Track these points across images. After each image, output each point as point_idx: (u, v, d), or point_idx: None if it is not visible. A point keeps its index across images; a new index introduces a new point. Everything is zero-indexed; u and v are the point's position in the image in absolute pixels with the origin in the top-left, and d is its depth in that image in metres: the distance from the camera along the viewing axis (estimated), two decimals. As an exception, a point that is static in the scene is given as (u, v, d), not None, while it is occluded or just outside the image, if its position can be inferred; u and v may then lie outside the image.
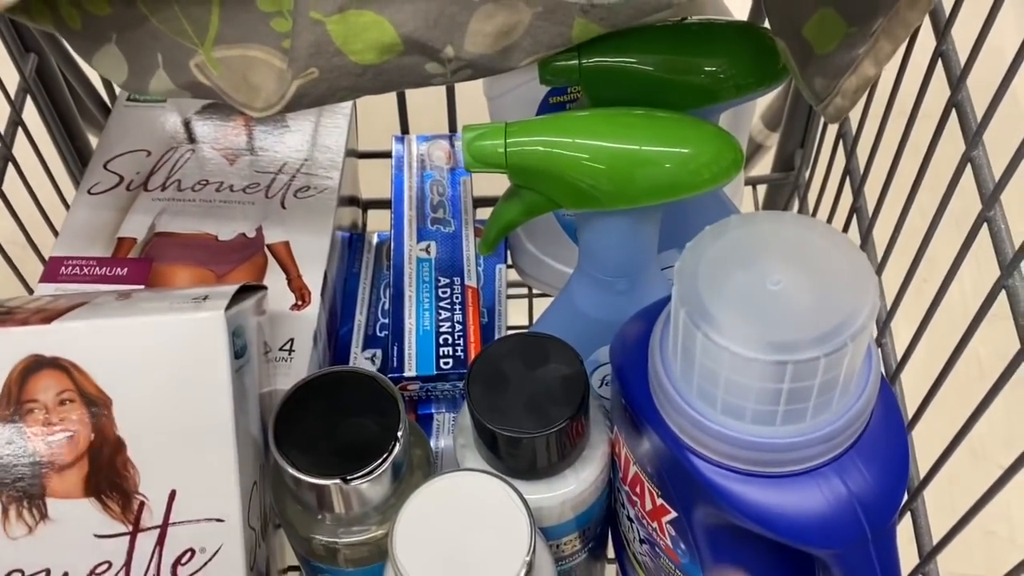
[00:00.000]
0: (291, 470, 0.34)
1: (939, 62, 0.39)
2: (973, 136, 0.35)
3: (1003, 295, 0.33)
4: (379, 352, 0.53)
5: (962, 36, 0.38)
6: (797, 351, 0.27)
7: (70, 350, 0.31)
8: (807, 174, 0.60)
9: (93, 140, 0.61)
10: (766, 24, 0.49)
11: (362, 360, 0.53)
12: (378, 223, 0.65)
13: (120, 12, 0.33)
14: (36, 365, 0.31)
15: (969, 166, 0.36)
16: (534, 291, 0.62)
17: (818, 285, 0.28)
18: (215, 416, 0.32)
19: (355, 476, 0.34)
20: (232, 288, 0.35)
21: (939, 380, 0.37)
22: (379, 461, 0.34)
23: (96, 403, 0.31)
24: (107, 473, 0.31)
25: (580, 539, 0.41)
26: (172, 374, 0.32)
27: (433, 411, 0.51)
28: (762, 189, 0.66)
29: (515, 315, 0.60)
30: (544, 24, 0.33)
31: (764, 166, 0.67)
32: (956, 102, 0.37)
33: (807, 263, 0.28)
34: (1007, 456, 0.84)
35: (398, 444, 0.35)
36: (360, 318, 0.55)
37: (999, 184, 0.34)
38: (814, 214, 0.57)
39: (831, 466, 0.30)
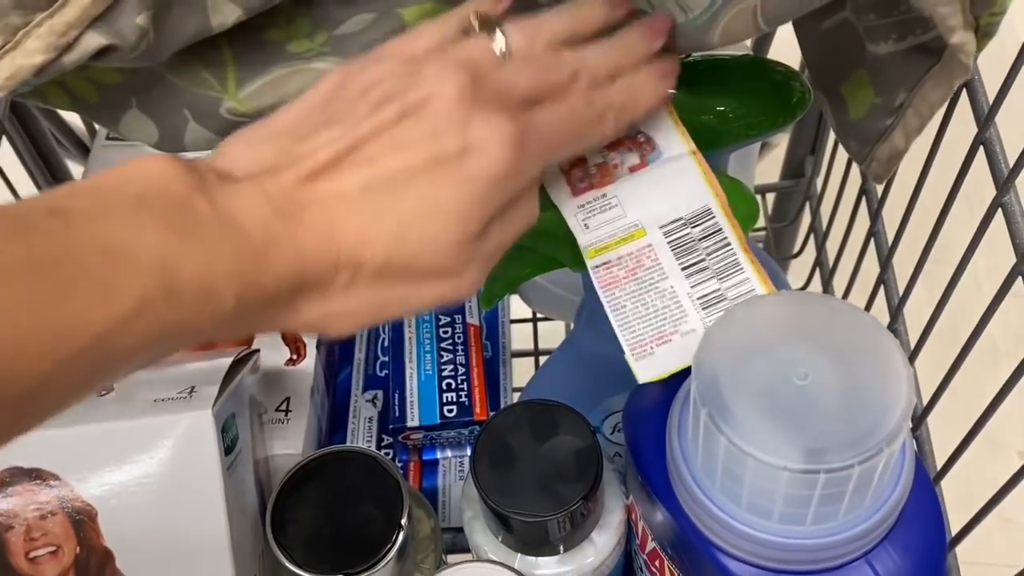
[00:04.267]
0: (291, 567, 0.32)
1: (963, 92, 0.36)
2: (1004, 182, 0.33)
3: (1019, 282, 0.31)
4: (380, 393, 0.51)
5: (989, 67, 0.36)
6: (829, 459, 0.25)
7: (50, 460, 0.29)
8: (819, 183, 0.58)
9: (75, 170, 0.59)
10: (771, 55, 0.46)
11: (363, 403, 0.51)
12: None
13: (133, 76, 0.32)
14: (15, 478, 0.29)
15: (1000, 211, 0.33)
16: (538, 315, 0.60)
17: (847, 378, 0.26)
18: (207, 522, 0.30)
19: (357, 571, 0.32)
20: (220, 372, 0.33)
21: (950, 373, 0.35)
22: (382, 554, 0.32)
23: (80, 513, 0.30)
24: (96, 586, 0.30)
25: (598, 602, 0.39)
26: (160, 479, 0.30)
27: (438, 456, 0.49)
28: (771, 197, 0.63)
29: (518, 339, 0.58)
30: None
31: (772, 170, 0.65)
32: (984, 139, 0.35)
33: (834, 352, 0.26)
34: (1024, 443, 0.83)
35: (401, 533, 0.33)
36: (359, 356, 0.53)
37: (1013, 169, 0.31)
38: (828, 228, 0.55)
39: (863, 558, 0.28)
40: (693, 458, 0.28)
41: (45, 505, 0.29)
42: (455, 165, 0.24)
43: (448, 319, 0.50)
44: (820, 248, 0.55)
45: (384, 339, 0.53)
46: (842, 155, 0.52)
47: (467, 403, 0.47)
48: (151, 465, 0.30)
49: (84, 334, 0.19)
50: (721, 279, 0.30)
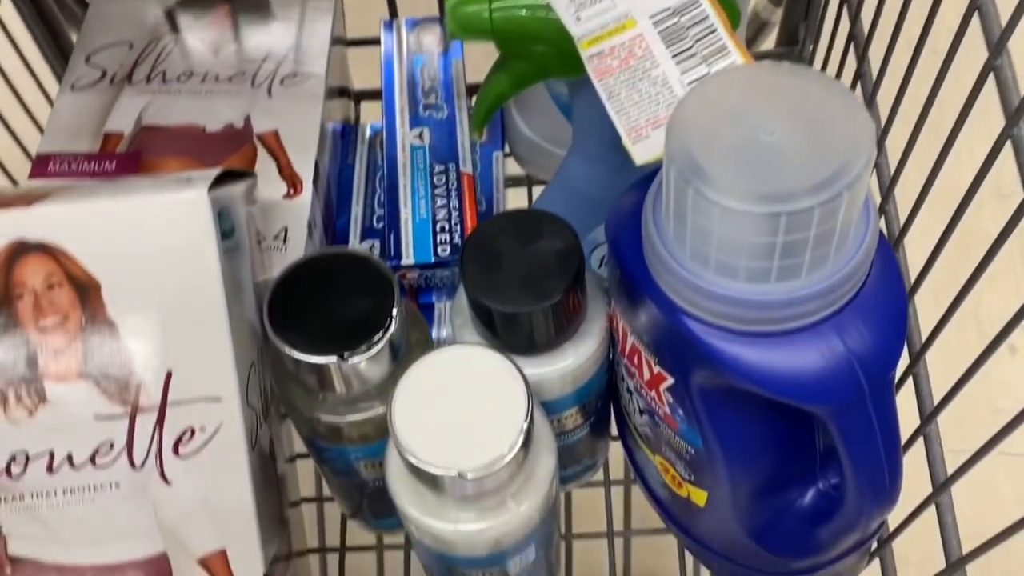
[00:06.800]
0: (288, 350, 0.34)
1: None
2: (996, 44, 0.34)
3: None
4: (377, 243, 0.53)
5: None
6: (790, 201, 0.26)
7: (55, 234, 0.31)
8: (812, 47, 0.58)
9: (74, 36, 0.60)
10: None
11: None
12: (371, 115, 0.64)
13: None
14: (21, 249, 0.31)
15: (976, 15, 0.34)
16: (533, 180, 0.61)
17: (813, 135, 0.27)
18: (206, 295, 0.32)
19: (352, 353, 0.34)
20: (215, 171, 0.34)
21: (941, 242, 0.36)
22: (376, 337, 0.34)
23: (85, 286, 0.31)
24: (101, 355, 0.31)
25: (581, 413, 0.41)
26: (159, 255, 0.31)
27: (434, 300, 0.51)
28: (765, 66, 0.64)
29: (514, 204, 0.59)
30: None
31: (770, 42, 0.65)
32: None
33: (802, 113, 0.27)
34: (1019, 336, 0.84)
35: (394, 321, 0.35)
36: (356, 209, 0.54)
37: (1005, 31, 0.32)
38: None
39: (828, 323, 0.30)
40: (665, 229, 0.30)
41: (51, 276, 0.31)
42: None
43: (442, 168, 0.51)
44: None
45: (380, 194, 0.55)
46: (831, 18, 0.53)
47: (460, 244, 0.48)
48: (150, 240, 0.31)
49: None
50: (709, 64, 0.31)
